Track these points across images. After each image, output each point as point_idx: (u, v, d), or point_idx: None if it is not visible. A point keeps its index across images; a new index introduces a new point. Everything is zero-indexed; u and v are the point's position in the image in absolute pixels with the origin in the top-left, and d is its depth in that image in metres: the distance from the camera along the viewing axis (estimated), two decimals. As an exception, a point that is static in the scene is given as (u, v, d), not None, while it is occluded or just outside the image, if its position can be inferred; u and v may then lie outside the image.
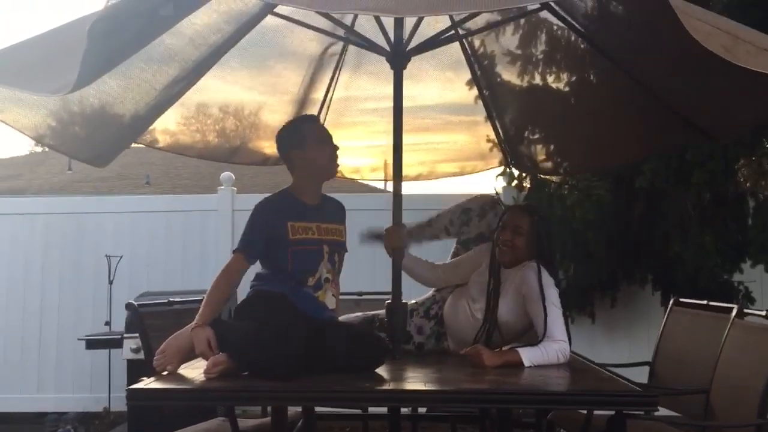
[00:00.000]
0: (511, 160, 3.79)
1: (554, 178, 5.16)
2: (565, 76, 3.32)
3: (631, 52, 2.73)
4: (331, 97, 3.47)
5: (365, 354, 2.32)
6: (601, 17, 2.72)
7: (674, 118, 2.85)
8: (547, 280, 2.57)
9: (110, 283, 5.33)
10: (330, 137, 2.65)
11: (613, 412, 2.20)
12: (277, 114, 3.44)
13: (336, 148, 2.62)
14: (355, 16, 3.04)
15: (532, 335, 2.57)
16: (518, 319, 2.62)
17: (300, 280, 2.47)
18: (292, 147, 2.59)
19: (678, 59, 2.21)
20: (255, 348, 2.18)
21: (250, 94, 3.42)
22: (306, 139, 2.58)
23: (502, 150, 3.73)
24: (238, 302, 2.52)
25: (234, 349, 2.22)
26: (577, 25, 2.92)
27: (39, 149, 19.55)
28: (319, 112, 3.50)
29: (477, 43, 3.34)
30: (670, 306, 3.38)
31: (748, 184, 4.76)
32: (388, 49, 2.83)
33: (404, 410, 3.51)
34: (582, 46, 3.08)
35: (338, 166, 2.69)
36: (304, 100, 3.46)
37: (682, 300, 3.36)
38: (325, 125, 3.54)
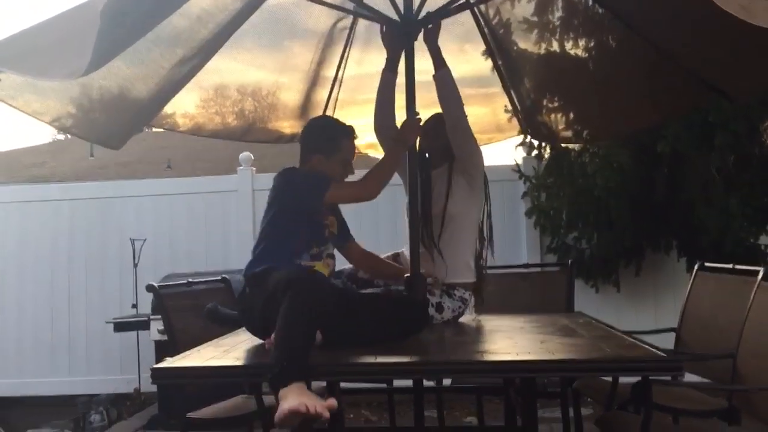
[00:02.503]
0: (528, 129, 3.75)
1: (575, 147, 5.10)
2: (582, 42, 3.27)
3: (647, 15, 2.67)
4: (343, 75, 3.44)
5: (408, 317, 2.31)
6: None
7: (693, 80, 2.80)
8: None
9: (135, 266, 5.39)
10: (353, 157, 2.64)
11: (638, 379, 2.19)
12: (291, 92, 3.43)
13: (352, 171, 2.61)
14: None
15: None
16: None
17: (306, 246, 2.45)
18: (318, 150, 2.55)
19: (695, 20, 2.16)
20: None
21: (263, 74, 3.41)
22: (335, 154, 2.56)
23: (519, 120, 3.68)
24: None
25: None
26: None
27: (62, 137, 19.70)
28: (331, 90, 3.48)
29: (492, 12, 3.29)
30: (695, 271, 3.34)
31: (773, 146, 4.67)
32: (398, 19, 2.79)
33: (429, 383, 3.52)
34: (599, 11, 3.02)
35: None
36: (316, 78, 3.43)
37: (707, 264, 3.32)
38: (338, 103, 3.55)
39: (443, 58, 2.81)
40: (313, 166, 2.56)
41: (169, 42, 2.61)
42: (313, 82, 3.43)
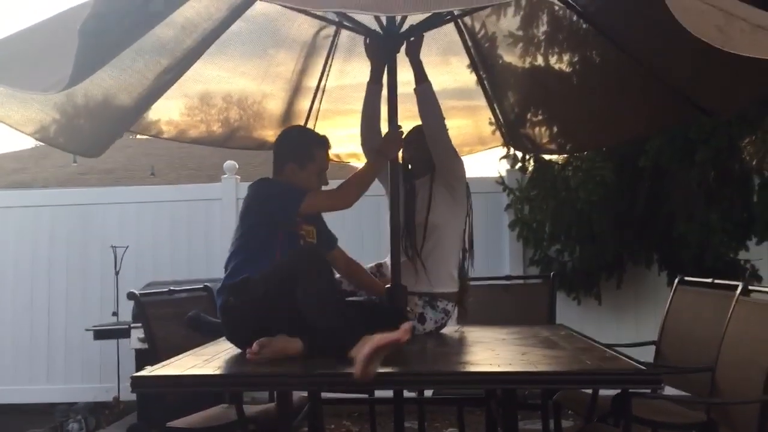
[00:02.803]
0: (510, 140, 3.77)
1: (558, 159, 5.14)
2: (566, 57, 3.29)
3: (628, 31, 2.71)
4: (325, 84, 3.44)
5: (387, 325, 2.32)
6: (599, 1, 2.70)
7: (675, 96, 2.83)
8: None
9: (116, 273, 5.35)
10: (327, 167, 2.65)
11: (618, 391, 2.21)
12: (275, 101, 3.43)
13: (326, 182, 2.62)
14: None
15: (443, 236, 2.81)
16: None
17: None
18: (292, 159, 2.56)
19: (675, 38, 2.20)
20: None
21: (247, 82, 3.40)
22: (309, 163, 2.57)
23: (502, 133, 3.70)
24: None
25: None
26: (576, 6, 2.89)
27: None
28: (313, 99, 3.49)
29: (477, 25, 3.31)
30: (675, 285, 3.37)
31: (753, 162, 4.73)
32: (380, 32, 2.80)
33: (410, 394, 3.52)
34: (583, 26, 3.05)
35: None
36: (298, 87, 3.43)
37: (687, 279, 3.36)
38: (321, 113, 3.55)
39: (425, 72, 2.82)
40: (287, 175, 2.56)
41: (153, 52, 2.60)
42: (296, 91, 3.43)
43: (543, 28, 3.24)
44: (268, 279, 2.28)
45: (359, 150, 3.10)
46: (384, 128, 2.82)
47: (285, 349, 2.18)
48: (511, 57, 3.36)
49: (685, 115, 3.22)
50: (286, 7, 2.48)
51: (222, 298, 2.41)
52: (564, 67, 3.29)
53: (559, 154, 4.65)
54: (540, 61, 3.31)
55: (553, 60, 3.29)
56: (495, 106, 3.57)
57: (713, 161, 4.47)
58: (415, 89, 2.81)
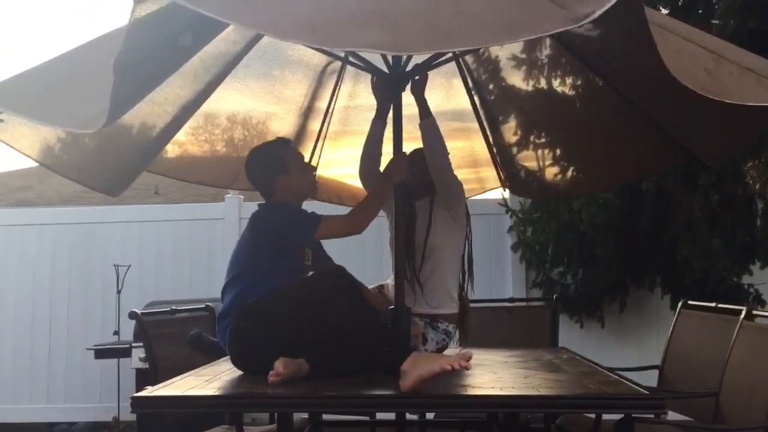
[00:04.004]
0: (507, 182, 3.74)
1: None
2: (560, 92, 3.29)
3: (622, 77, 2.72)
4: (334, 107, 3.47)
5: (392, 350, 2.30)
6: (593, 44, 2.70)
7: (668, 141, 2.85)
8: None
9: (118, 292, 5.34)
10: (302, 158, 2.71)
11: (621, 416, 2.19)
12: (283, 124, 3.44)
13: (313, 168, 2.65)
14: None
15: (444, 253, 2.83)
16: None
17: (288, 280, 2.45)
18: (277, 173, 2.56)
19: (664, 84, 2.21)
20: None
21: (254, 103, 3.42)
22: (288, 164, 2.59)
23: (497, 170, 3.69)
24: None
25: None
26: (576, 55, 2.91)
27: (49, 161, 19.52)
28: (323, 122, 3.50)
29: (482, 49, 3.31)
30: (678, 309, 3.36)
31: (757, 186, 4.73)
32: (386, 71, 2.83)
33: (412, 416, 3.49)
34: (579, 67, 3.05)
35: (317, 184, 2.75)
36: (308, 109, 3.46)
37: (690, 303, 3.35)
38: (329, 133, 3.56)
39: (429, 108, 2.84)
40: (281, 189, 2.56)
41: (172, 83, 2.62)
42: (304, 113, 3.44)
43: (544, 57, 3.24)
44: (284, 301, 2.28)
45: None
46: (385, 159, 2.84)
47: (300, 370, 2.17)
48: (513, 80, 3.36)
49: (677, 160, 3.24)
50: (298, 43, 2.50)
51: (227, 322, 2.38)
52: (567, 92, 3.29)
53: (549, 199, 4.67)
54: (543, 83, 3.31)
55: (556, 83, 3.29)
56: (490, 140, 3.55)
57: (716, 185, 4.48)
58: (420, 124, 2.83)
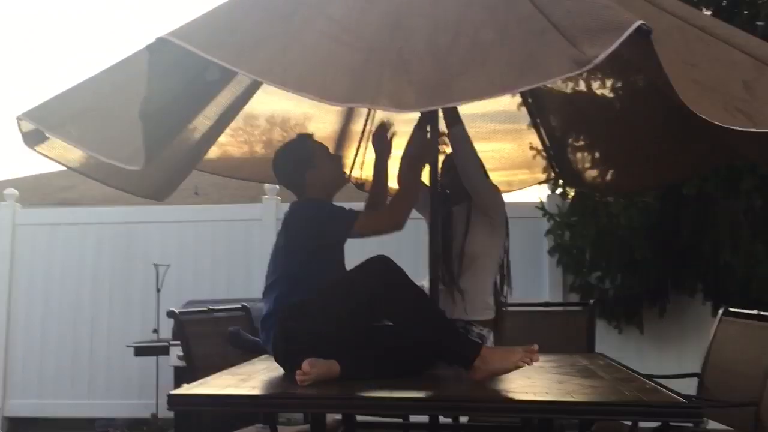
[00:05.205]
0: (558, 170, 3.71)
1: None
2: (609, 83, 3.25)
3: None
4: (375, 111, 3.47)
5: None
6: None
7: (716, 140, 2.79)
8: None
9: (158, 291, 5.43)
10: (328, 148, 2.69)
11: (658, 424, 2.16)
12: (322, 124, 3.46)
13: (340, 157, 2.62)
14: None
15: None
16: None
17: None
18: (305, 168, 2.54)
19: None
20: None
21: (295, 105, 3.44)
22: (315, 157, 2.57)
23: (549, 156, 3.66)
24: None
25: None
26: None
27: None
28: (365, 122, 3.51)
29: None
30: (719, 316, 3.30)
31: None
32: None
33: (445, 420, 3.48)
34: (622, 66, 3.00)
35: (345, 173, 2.72)
36: (350, 111, 3.46)
37: (731, 310, 3.28)
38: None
39: (458, 114, 2.76)
40: (312, 184, 2.54)
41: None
42: (345, 115, 3.45)
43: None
44: (331, 298, 2.29)
45: None
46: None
47: (329, 371, 2.18)
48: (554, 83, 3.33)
49: (728, 158, 3.15)
50: (314, 99, 2.51)
51: (271, 321, 2.37)
52: (607, 93, 3.25)
53: (602, 192, 4.57)
54: (582, 86, 3.28)
55: (596, 86, 3.25)
56: (541, 129, 3.53)
57: (760, 190, 4.38)
58: (447, 133, 2.77)
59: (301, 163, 2.56)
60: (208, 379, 2.28)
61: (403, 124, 2.93)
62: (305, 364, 2.11)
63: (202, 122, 2.75)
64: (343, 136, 3.53)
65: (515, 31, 1.63)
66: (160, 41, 1.59)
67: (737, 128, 1.46)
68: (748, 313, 3.14)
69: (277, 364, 2.42)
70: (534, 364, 2.25)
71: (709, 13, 4.32)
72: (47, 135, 2.16)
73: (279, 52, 1.63)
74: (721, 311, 3.31)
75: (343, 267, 2.52)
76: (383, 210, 2.58)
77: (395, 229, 2.50)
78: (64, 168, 2.53)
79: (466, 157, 2.77)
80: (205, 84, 2.09)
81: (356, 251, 2.46)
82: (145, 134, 1.66)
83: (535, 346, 2.15)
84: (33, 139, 2.25)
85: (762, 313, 3.04)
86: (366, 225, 2.47)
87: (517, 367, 2.13)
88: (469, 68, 1.54)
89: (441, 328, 2.27)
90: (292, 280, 2.41)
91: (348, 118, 3.49)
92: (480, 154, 3.63)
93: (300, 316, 2.30)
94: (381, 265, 2.29)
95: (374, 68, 1.57)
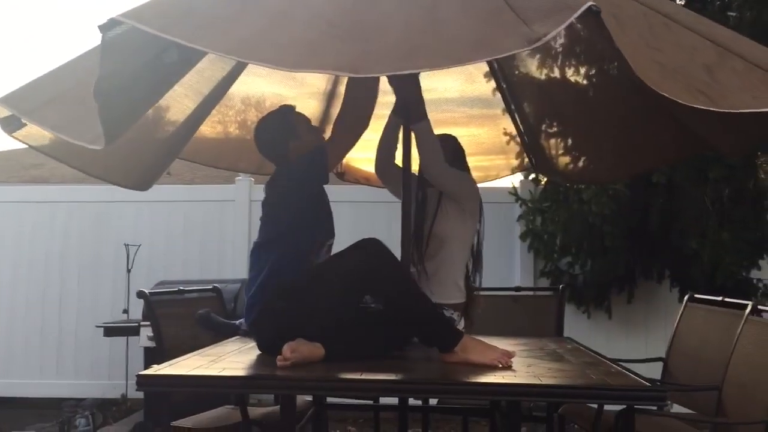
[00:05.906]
0: (532, 160, 3.73)
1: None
2: (583, 71, 3.27)
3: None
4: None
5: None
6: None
7: (687, 131, 2.83)
8: None
9: (128, 271, 5.39)
10: (309, 120, 2.69)
11: (623, 407, 2.20)
12: (304, 108, 3.42)
13: (320, 130, 2.62)
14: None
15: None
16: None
17: (320, 243, 2.48)
18: (288, 139, 2.52)
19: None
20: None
21: (274, 88, 3.40)
22: (297, 128, 2.56)
23: (523, 148, 3.68)
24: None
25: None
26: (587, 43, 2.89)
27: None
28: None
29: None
30: (685, 302, 3.36)
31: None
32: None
33: (415, 401, 3.52)
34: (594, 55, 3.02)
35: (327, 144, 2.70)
36: (331, 94, 3.44)
37: (697, 296, 3.34)
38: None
39: (425, 110, 2.69)
40: (294, 154, 2.51)
41: (189, 84, 2.67)
42: (327, 98, 3.43)
43: (561, 40, 3.22)
44: (323, 279, 2.30)
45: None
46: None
47: (312, 354, 2.17)
48: (528, 68, 3.35)
49: (699, 148, 3.19)
50: (262, 65, 2.47)
51: (258, 298, 2.35)
52: (580, 81, 3.27)
53: (577, 181, 4.60)
54: (557, 73, 3.29)
55: (569, 73, 3.27)
56: (515, 115, 3.54)
57: (727, 179, 4.46)
58: (412, 127, 2.69)
59: (285, 133, 2.53)
60: (178, 360, 2.28)
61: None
62: (286, 349, 2.11)
63: (182, 111, 2.72)
64: (323, 122, 3.51)
65: (472, 10, 1.69)
66: (111, 21, 1.59)
67: (700, 107, 1.50)
68: (712, 300, 3.21)
69: (248, 346, 2.43)
70: (504, 347, 2.29)
71: (681, 2, 4.35)
72: (23, 121, 2.13)
73: (235, 27, 1.65)
74: (686, 297, 3.38)
75: (331, 218, 2.54)
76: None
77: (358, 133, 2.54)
78: (35, 145, 2.49)
79: (430, 154, 2.70)
80: (165, 65, 2.08)
81: (346, 239, 2.47)
82: (101, 113, 1.66)
83: (514, 352, 2.26)
84: (11, 125, 2.23)
85: (726, 299, 3.10)
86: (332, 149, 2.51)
87: (492, 365, 2.17)
88: (426, 41, 1.58)
89: (426, 311, 2.32)
90: (284, 247, 2.37)
91: (329, 101, 3.47)
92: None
93: (292, 297, 2.29)
94: (372, 247, 2.30)
95: (331, 39, 1.59)
